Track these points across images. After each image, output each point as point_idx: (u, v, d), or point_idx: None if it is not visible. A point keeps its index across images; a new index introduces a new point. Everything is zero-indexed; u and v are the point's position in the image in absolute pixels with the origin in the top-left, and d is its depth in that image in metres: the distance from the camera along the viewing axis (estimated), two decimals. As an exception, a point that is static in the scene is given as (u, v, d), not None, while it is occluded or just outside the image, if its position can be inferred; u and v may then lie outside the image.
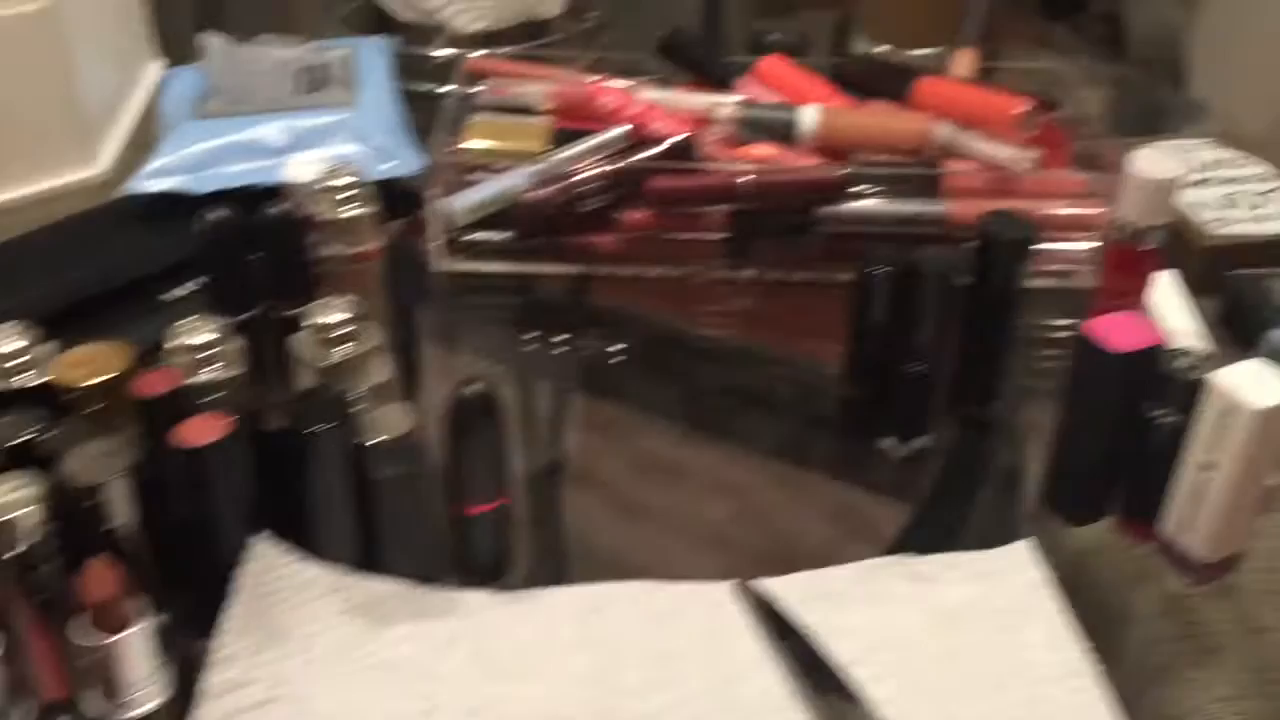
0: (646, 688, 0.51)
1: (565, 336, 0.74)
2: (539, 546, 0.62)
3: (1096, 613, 0.57)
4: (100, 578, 0.42)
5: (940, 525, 0.62)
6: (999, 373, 0.64)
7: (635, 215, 0.74)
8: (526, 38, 1.02)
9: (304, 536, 0.52)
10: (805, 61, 0.83)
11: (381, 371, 0.55)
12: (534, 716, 0.50)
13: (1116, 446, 0.56)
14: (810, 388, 0.70)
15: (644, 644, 0.53)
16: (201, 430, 0.46)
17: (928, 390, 0.62)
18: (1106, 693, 0.51)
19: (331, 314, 0.53)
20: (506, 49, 0.99)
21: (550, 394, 0.72)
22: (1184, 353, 0.54)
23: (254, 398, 0.50)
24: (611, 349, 0.73)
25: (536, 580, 0.56)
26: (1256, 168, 0.81)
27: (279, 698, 0.49)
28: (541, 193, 0.73)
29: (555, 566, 0.60)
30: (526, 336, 0.75)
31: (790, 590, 0.56)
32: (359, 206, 0.61)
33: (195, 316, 0.52)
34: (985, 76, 0.85)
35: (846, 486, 0.63)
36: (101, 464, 0.46)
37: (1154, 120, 1.06)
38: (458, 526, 0.54)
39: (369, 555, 0.54)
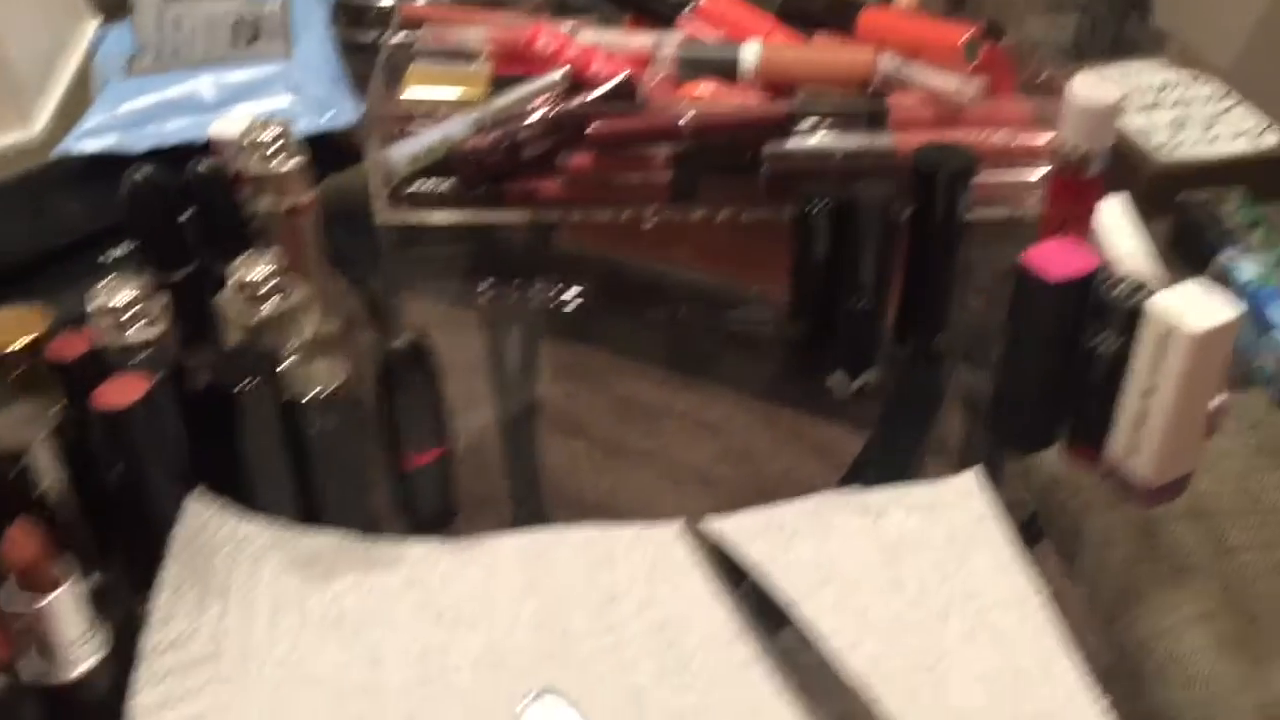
0: (593, 631, 0.51)
1: (524, 282, 0.74)
2: (517, 491, 0.62)
3: (1071, 538, 0.57)
4: (22, 542, 0.41)
5: (889, 458, 0.62)
6: (944, 304, 0.63)
7: (578, 159, 0.73)
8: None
9: (241, 493, 0.52)
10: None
11: (312, 325, 0.54)
12: (481, 662, 0.49)
13: (1059, 374, 0.56)
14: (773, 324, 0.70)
15: (590, 588, 0.53)
16: (121, 391, 0.45)
17: (872, 325, 0.61)
18: (1055, 618, 0.51)
19: (255, 270, 0.52)
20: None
21: (515, 340, 0.72)
22: (1123, 278, 0.53)
23: (181, 356, 0.49)
24: (571, 293, 0.73)
25: (513, 524, 0.56)
26: (1208, 89, 0.81)
27: (222, 653, 0.49)
28: (481, 140, 0.72)
29: (535, 510, 0.61)
30: (483, 284, 0.74)
31: (738, 528, 0.56)
32: (289, 160, 0.60)
33: (117, 276, 0.51)
34: (931, 5, 0.83)
35: (822, 420, 0.63)
36: (24, 428, 0.45)
37: (1115, 45, 1.05)
38: (397, 478, 0.54)
39: (308, 510, 0.53)
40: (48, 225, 0.71)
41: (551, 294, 0.73)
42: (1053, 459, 0.59)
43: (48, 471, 0.47)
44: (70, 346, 0.47)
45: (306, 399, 0.50)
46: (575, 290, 0.73)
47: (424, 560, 0.54)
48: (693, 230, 0.75)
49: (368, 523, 0.55)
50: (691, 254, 0.75)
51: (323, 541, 0.53)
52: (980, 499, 0.56)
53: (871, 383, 0.63)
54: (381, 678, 0.49)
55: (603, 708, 0.48)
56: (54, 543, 0.43)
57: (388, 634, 0.51)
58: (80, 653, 0.44)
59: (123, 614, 0.48)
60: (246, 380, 0.48)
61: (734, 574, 0.53)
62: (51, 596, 0.42)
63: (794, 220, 0.60)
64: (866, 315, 0.60)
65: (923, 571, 0.53)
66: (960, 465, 0.58)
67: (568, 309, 0.72)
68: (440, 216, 0.75)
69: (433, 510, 0.55)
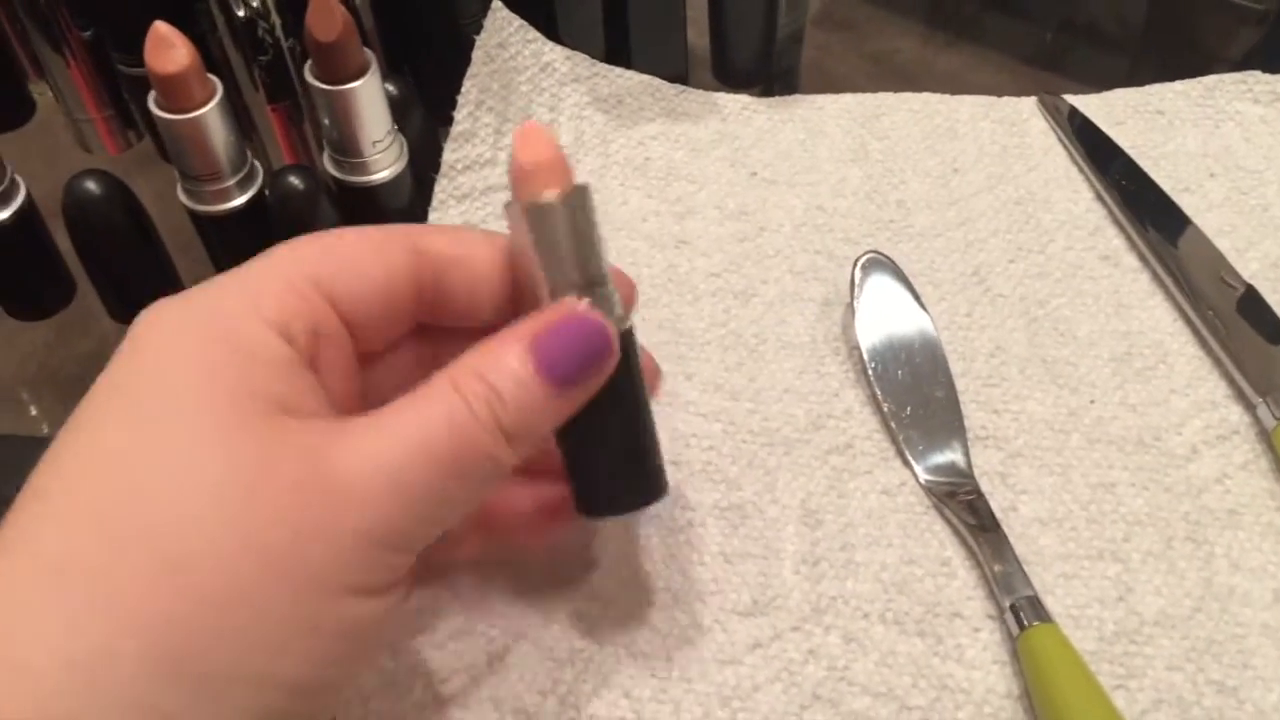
0: (928, 203, 0.44)
1: None
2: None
3: None
4: (326, 13, 0.36)
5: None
6: None
7: None
8: None
9: (546, 17, 0.46)
10: None
11: None
12: (805, 224, 0.44)
13: None
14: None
15: (928, 157, 0.46)
16: None
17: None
18: None
19: None
20: None
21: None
22: None
23: None
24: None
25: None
26: None
27: (521, 184, 0.45)
28: None
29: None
30: None
31: (1109, 107, 0.47)
32: None
33: None
34: None
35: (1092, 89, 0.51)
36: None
37: None
38: (719, 10, 0.47)
39: (616, 48, 0.47)
40: None
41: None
42: None
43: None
44: None
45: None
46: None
47: (739, 114, 0.48)
48: None
49: (678, 72, 0.48)
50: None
51: (630, 82, 0.48)
52: None
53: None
54: (694, 229, 0.44)
55: (942, 282, 0.42)
56: (356, 28, 0.38)
57: (698, 187, 0.45)
58: (381, 158, 0.40)
59: (419, 133, 0.43)
60: None
61: (1100, 159, 0.45)
62: (355, 84, 0.38)
63: None
64: None
65: (1342, 172, 0.44)
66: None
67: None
68: None
69: (752, 53, 0.48)
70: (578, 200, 0.28)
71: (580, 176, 0.45)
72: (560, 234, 0.27)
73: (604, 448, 0.29)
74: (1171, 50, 0.54)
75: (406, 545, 0.26)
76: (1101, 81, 0.49)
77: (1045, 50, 0.56)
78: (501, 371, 0.26)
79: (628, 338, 0.29)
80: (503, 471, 0.26)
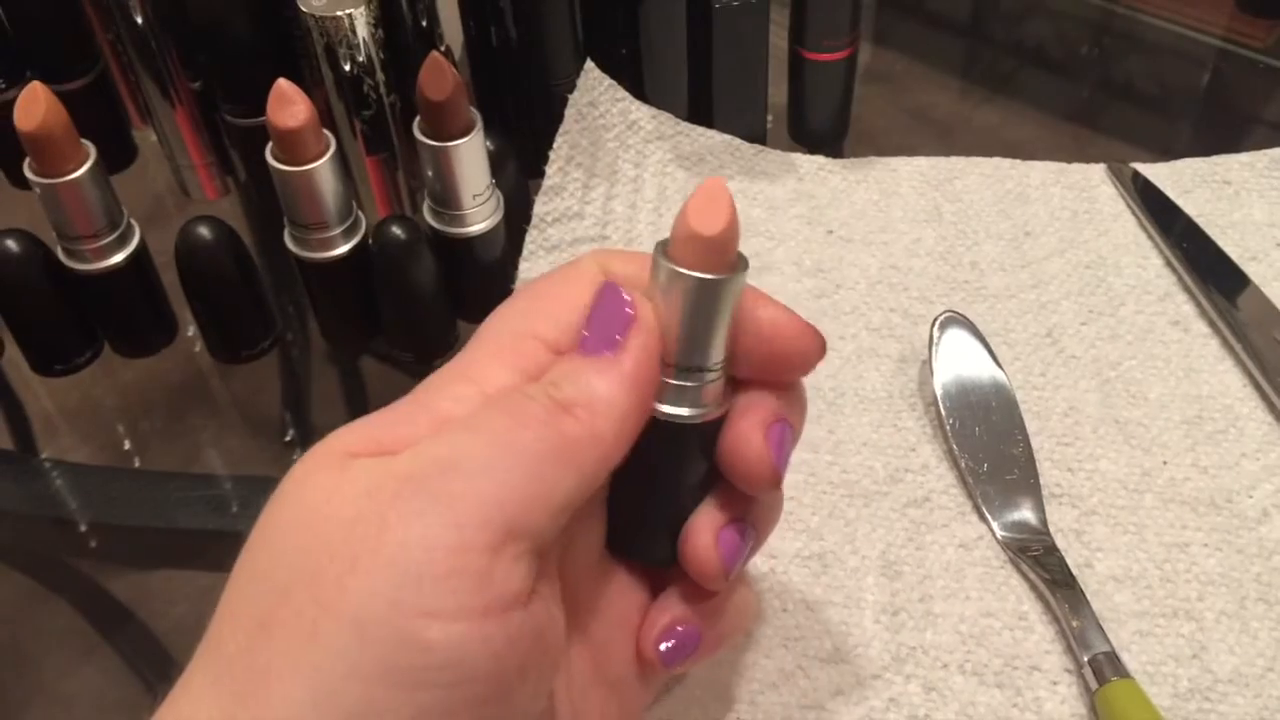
0: (1001, 265, 0.46)
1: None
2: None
3: None
4: (438, 74, 0.39)
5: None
6: None
7: None
8: None
9: (634, 78, 0.48)
10: None
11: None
12: (880, 282, 0.45)
13: None
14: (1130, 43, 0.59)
15: (1000, 220, 0.47)
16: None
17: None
18: None
19: None
20: None
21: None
22: None
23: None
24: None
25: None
26: None
27: (608, 237, 0.46)
28: None
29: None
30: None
31: (1176, 175, 0.48)
32: None
33: None
34: None
35: (1130, 148, 0.53)
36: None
37: None
38: (798, 74, 0.48)
39: (698, 109, 0.49)
40: None
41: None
42: None
43: (449, 23, 0.44)
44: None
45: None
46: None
47: (815, 174, 0.49)
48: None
49: (758, 133, 0.50)
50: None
51: (711, 141, 0.49)
52: None
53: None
54: (771, 285, 0.45)
55: (1016, 342, 0.43)
56: (464, 88, 0.40)
57: (776, 243, 0.47)
58: (479, 210, 0.42)
59: (512, 186, 0.45)
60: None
61: (1168, 226, 0.46)
62: (462, 140, 0.40)
63: None
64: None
65: None
66: None
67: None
68: None
69: (829, 118, 0.50)
70: (716, 290, 0.26)
71: (663, 231, 0.47)
72: (683, 308, 0.26)
73: (640, 498, 0.29)
74: (1210, 110, 0.56)
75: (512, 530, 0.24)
76: (1138, 139, 0.50)
77: (1082, 108, 0.57)
78: (554, 371, 0.26)
79: (713, 426, 0.28)
80: (578, 442, 0.25)
